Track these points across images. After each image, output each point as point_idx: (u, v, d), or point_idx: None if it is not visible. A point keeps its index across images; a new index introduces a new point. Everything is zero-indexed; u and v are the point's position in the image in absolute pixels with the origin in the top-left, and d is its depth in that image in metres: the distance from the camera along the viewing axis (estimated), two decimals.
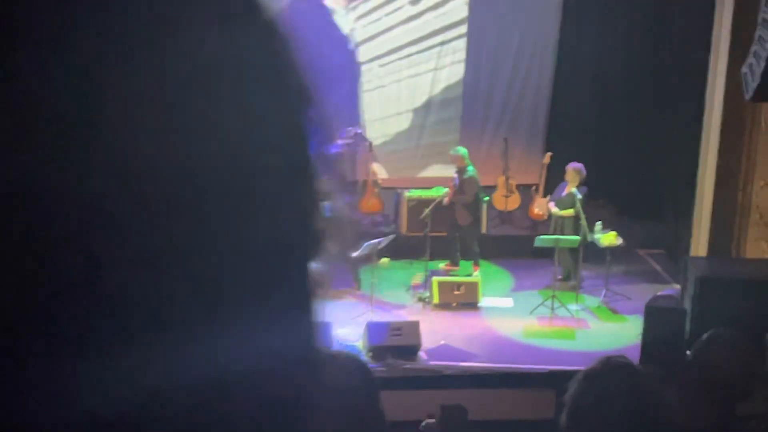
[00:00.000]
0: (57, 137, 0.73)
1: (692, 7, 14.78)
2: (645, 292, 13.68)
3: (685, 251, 13.72)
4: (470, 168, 14.88)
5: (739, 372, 4.32)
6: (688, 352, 4.68)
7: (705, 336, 4.65)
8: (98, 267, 0.74)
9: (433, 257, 14.81)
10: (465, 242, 15.15)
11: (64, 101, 0.73)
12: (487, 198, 16.34)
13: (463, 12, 18.09)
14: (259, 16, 0.88)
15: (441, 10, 18.10)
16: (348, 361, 3.04)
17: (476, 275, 14.84)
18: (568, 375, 3.29)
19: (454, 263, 15.38)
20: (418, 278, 14.83)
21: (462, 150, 15.04)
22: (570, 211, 14.21)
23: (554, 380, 10.50)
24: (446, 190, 15.13)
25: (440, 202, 14.80)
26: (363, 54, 18.17)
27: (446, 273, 14.98)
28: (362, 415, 2.82)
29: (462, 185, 14.82)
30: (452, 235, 15.20)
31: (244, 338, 0.84)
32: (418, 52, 18.22)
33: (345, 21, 18.01)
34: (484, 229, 16.19)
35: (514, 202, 17.04)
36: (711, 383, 4.30)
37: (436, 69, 18.25)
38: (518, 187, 17.07)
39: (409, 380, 11.30)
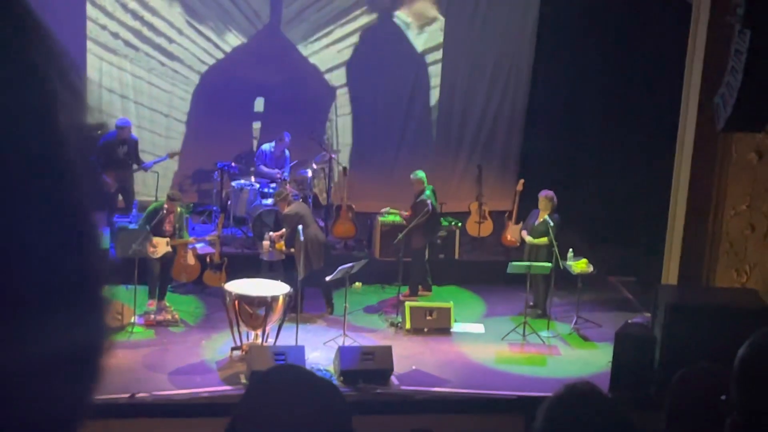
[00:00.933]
0: None
1: (665, 37, 14.90)
2: (616, 320, 13.73)
3: (656, 279, 13.76)
4: (427, 192, 14.89)
5: (716, 404, 4.33)
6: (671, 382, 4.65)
7: (684, 370, 4.66)
8: None
9: (405, 282, 14.84)
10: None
11: None
12: (459, 224, 16.40)
13: (438, 38, 18.18)
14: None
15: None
16: (319, 384, 3.05)
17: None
18: (537, 401, 3.31)
19: (426, 288, 15.35)
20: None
21: (420, 173, 15.06)
22: (543, 239, 14.27)
23: (524, 406, 10.53)
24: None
25: (415, 227, 14.78)
26: (337, 78, 18.22)
27: (417, 297, 14.96)
28: None
29: (415, 208, 14.87)
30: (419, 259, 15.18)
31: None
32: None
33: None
34: (457, 255, 16.24)
35: (486, 228, 17.08)
36: (690, 415, 4.31)
37: (411, 95, 18.32)
38: (491, 213, 17.12)
39: (381, 405, 11.30)
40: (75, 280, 0.90)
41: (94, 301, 0.94)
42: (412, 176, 15.18)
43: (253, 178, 16.40)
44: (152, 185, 16.20)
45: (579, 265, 14.23)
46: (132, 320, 13.31)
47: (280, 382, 2.92)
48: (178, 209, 13.86)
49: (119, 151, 15.34)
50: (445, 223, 16.21)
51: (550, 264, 14.02)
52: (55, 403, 0.91)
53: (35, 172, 0.87)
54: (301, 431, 2.75)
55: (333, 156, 16.75)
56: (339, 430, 2.84)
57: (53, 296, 0.88)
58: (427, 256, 15.38)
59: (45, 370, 0.88)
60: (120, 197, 15.66)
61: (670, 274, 13.35)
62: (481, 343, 13.68)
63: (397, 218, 15.76)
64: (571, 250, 14.41)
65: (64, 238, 0.90)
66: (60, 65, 0.92)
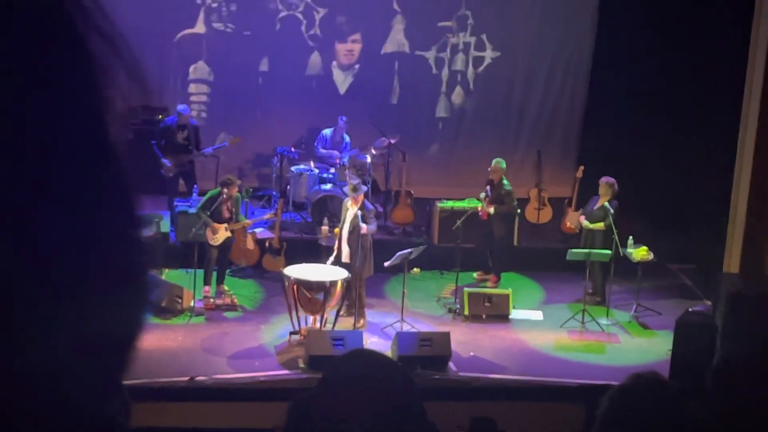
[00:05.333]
0: None
1: (728, 25, 14.72)
2: (676, 308, 13.64)
3: (717, 267, 13.64)
4: (506, 181, 14.90)
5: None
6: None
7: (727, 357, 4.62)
8: None
9: (464, 268, 14.80)
10: (495, 254, 15.09)
11: None
12: (518, 210, 16.34)
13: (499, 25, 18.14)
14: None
15: None
16: (393, 368, 3.04)
17: (495, 286, 14.75)
18: (597, 389, 3.29)
19: (487, 273, 15.31)
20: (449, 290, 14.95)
21: (503, 163, 14.96)
22: (600, 225, 14.17)
23: (584, 394, 10.46)
24: (476, 201, 15.26)
25: (473, 213, 14.73)
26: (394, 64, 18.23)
27: (478, 283, 14.95)
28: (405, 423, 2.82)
29: (502, 198, 14.79)
30: (487, 246, 15.12)
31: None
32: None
33: None
34: (516, 242, 16.17)
35: (546, 214, 17.01)
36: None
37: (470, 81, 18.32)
38: (551, 200, 17.05)
39: (438, 391, 11.27)
40: (119, 265, 0.89)
41: (136, 286, 0.93)
42: (495, 163, 15.02)
43: (312, 164, 16.44)
44: (212, 170, 16.29)
45: (639, 253, 14.13)
46: (191, 304, 13.41)
47: (354, 366, 2.92)
48: (235, 193, 13.85)
49: (179, 136, 15.45)
50: None
51: (609, 251, 13.93)
52: (88, 386, 0.90)
53: (79, 152, 0.86)
54: (378, 413, 2.75)
55: (392, 141, 16.74)
56: (414, 413, 2.84)
57: (96, 281, 0.87)
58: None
59: (82, 354, 0.88)
60: (181, 181, 15.78)
61: (732, 263, 13.23)
62: (540, 330, 13.64)
63: (457, 204, 15.74)
64: (631, 237, 14.31)
65: (108, 222, 0.88)
66: (110, 41, 0.90)
